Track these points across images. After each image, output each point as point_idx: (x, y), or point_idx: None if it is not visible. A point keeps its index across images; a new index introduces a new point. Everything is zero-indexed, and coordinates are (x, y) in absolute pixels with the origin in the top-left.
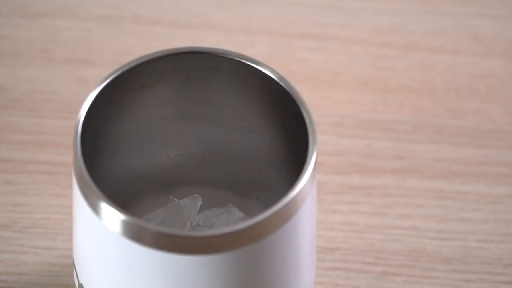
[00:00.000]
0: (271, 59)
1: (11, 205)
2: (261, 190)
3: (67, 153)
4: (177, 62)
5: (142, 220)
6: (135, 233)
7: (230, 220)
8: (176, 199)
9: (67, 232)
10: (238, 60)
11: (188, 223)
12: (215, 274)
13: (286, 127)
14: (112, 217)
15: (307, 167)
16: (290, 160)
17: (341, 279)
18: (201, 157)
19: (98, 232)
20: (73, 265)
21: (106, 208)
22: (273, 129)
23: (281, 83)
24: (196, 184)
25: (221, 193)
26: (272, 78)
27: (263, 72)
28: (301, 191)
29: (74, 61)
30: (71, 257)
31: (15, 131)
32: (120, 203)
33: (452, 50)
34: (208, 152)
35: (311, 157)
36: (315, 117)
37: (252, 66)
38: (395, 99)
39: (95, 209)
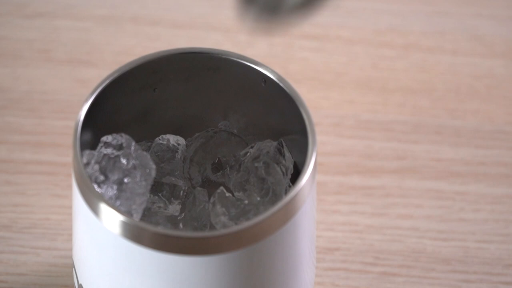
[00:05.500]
0: (271, 59)
1: (11, 205)
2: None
3: (67, 153)
4: (177, 62)
5: (141, 221)
6: (134, 234)
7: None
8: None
9: (67, 233)
10: (238, 61)
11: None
12: (215, 275)
13: (286, 127)
14: (111, 218)
15: (307, 168)
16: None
17: (341, 279)
18: None
19: (97, 233)
20: (73, 265)
21: (106, 209)
22: (273, 129)
23: (281, 84)
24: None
25: None
26: (272, 79)
27: (262, 73)
28: (301, 191)
29: (74, 61)
30: (70, 257)
31: (15, 131)
32: None
33: (452, 50)
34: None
35: (310, 158)
36: (315, 117)
37: (252, 67)
38: (395, 99)
39: (95, 209)
